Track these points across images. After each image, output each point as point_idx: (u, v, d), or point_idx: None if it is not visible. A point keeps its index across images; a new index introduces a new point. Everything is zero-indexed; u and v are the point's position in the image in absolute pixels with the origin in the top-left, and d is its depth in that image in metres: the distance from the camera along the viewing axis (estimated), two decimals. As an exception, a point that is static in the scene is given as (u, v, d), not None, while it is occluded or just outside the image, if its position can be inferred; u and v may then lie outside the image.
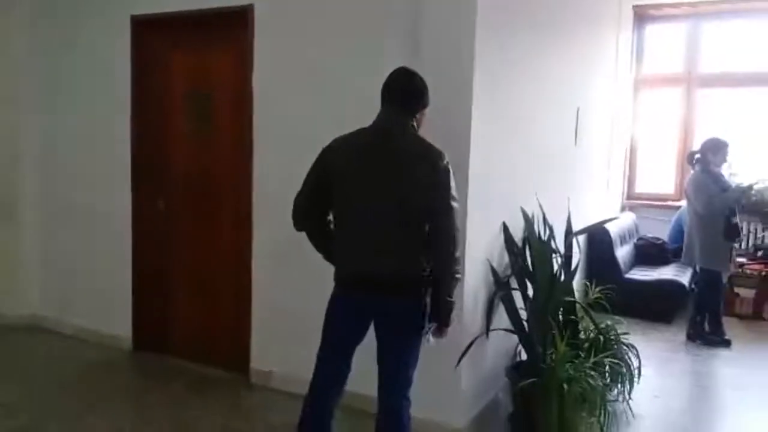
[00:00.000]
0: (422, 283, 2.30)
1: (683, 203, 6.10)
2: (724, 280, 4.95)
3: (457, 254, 2.27)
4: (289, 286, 3.53)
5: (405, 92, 2.38)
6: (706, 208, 4.64)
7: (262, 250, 3.63)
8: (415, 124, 2.40)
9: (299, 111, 3.45)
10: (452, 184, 2.28)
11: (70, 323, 4.49)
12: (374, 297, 2.32)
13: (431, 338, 2.36)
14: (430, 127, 2.89)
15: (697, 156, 4.84)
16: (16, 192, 4.61)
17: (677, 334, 5.01)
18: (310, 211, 2.44)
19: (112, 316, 4.26)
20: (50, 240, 4.60)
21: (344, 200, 2.35)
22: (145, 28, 4.00)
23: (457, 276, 2.29)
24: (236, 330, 3.77)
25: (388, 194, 2.27)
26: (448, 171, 2.29)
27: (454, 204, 2.27)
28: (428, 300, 2.31)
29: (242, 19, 3.56)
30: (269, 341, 3.66)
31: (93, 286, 4.38)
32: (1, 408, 3.35)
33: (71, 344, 4.35)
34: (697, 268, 4.98)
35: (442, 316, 2.31)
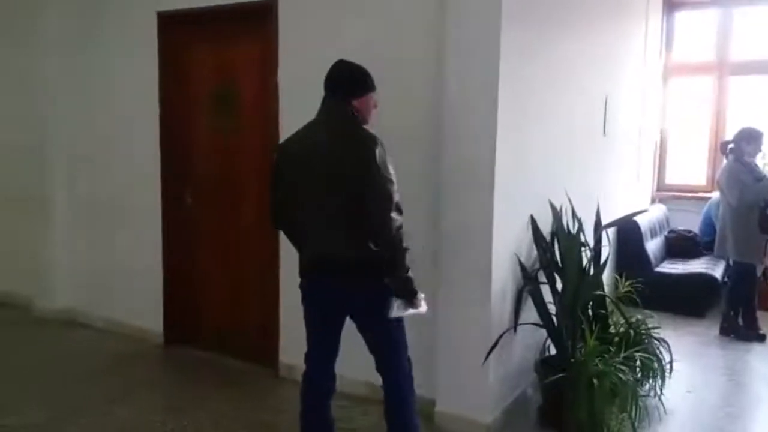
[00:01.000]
0: (374, 265, 2.34)
1: (714, 195, 5.98)
2: (759, 273, 4.83)
3: (395, 232, 2.28)
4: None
5: (338, 81, 2.48)
6: (739, 199, 4.53)
7: (290, 243, 3.63)
8: (354, 111, 2.44)
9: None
10: (388, 167, 2.33)
11: (102, 317, 4.57)
12: (331, 283, 2.42)
13: (406, 311, 2.39)
14: (454, 120, 2.87)
15: (731, 146, 4.73)
16: (47, 189, 4.71)
17: (710, 328, 4.91)
18: (281, 211, 2.57)
19: (143, 309, 4.32)
20: (82, 235, 4.68)
21: (295, 195, 2.45)
22: (171, 24, 4.04)
23: (400, 252, 2.30)
24: (264, 323, 3.80)
25: (330, 183, 2.36)
26: (383, 155, 2.33)
27: (390, 187, 2.31)
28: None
29: (266, 14, 3.56)
30: (297, 334, 3.65)
31: (124, 280, 4.45)
32: (33, 399, 3.43)
33: (102, 337, 4.44)
34: (731, 261, 4.87)
35: (400, 293, 2.35)
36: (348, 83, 2.48)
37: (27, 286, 4.89)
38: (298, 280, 3.57)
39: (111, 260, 4.52)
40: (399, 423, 2.52)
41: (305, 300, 2.54)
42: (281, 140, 3.56)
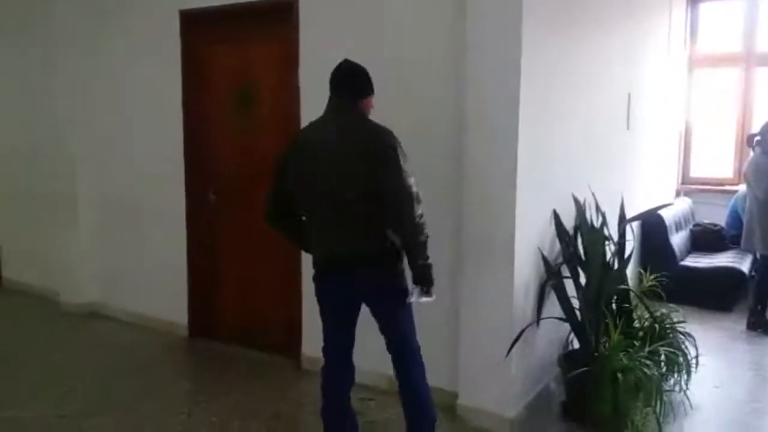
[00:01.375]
0: (389, 255, 2.44)
1: (741, 188, 5.87)
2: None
3: (418, 221, 2.35)
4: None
5: (348, 82, 2.54)
6: (767, 192, 4.45)
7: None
8: (362, 111, 2.52)
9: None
10: (402, 160, 2.36)
11: (127, 310, 4.65)
12: (344, 276, 2.49)
13: (420, 299, 2.44)
14: (475, 115, 2.86)
15: (758, 138, 4.64)
16: (74, 186, 4.79)
17: (737, 322, 4.84)
18: (279, 202, 2.63)
19: (168, 303, 4.39)
20: (108, 232, 4.76)
21: (303, 191, 2.50)
22: (193, 23, 4.08)
23: (422, 240, 2.38)
24: (287, 316, 3.84)
25: (343, 180, 2.40)
26: (396, 148, 2.38)
27: (409, 178, 2.35)
28: (403, 268, 2.47)
29: (288, 12, 3.58)
30: (320, 327, 3.69)
31: (149, 275, 4.52)
32: (61, 391, 3.50)
33: (128, 330, 4.52)
34: (758, 255, 4.79)
35: (419, 280, 2.41)
36: (357, 84, 2.55)
37: (54, 280, 5.00)
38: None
39: (136, 256, 4.60)
40: (414, 409, 2.55)
41: (319, 294, 2.59)
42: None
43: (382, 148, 2.37)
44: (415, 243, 2.37)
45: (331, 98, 2.54)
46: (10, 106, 5.37)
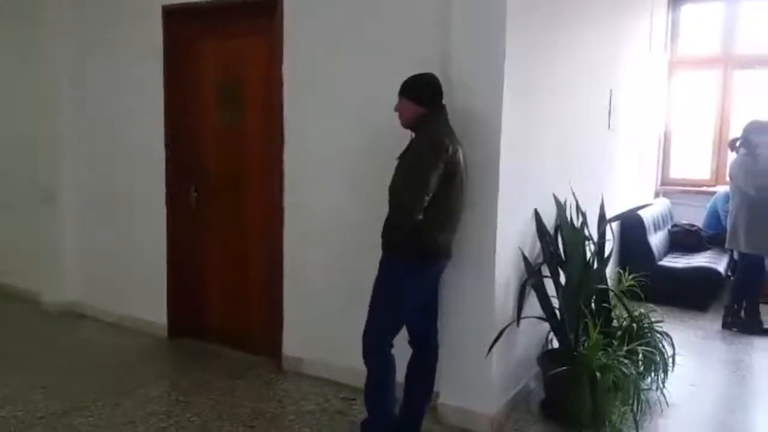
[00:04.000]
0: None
1: (720, 188, 5.97)
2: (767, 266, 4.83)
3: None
4: (321, 274, 3.56)
5: None
6: (759, 188, 4.50)
7: (294, 237, 3.66)
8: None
9: (329, 99, 3.46)
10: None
11: (109, 310, 4.60)
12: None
13: None
14: (458, 114, 2.88)
15: (740, 140, 4.70)
16: (53, 184, 4.73)
17: (713, 322, 4.92)
18: None
19: (149, 303, 4.35)
20: (89, 229, 4.70)
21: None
22: (176, 18, 4.04)
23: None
24: (268, 316, 3.82)
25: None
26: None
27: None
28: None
29: (272, 7, 3.56)
30: (300, 328, 3.71)
31: (131, 273, 4.48)
32: (42, 391, 3.46)
33: (108, 330, 4.47)
34: (735, 255, 4.87)
35: None
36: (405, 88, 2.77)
37: (34, 280, 4.93)
38: (301, 273, 3.64)
39: (116, 254, 4.55)
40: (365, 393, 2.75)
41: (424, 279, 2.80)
42: (285, 134, 3.61)
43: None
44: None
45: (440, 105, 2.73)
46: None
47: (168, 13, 4.05)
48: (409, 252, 2.62)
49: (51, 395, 3.42)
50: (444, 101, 2.74)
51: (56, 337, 4.38)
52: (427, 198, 2.51)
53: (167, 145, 4.16)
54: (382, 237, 2.69)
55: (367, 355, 2.70)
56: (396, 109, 2.73)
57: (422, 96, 2.67)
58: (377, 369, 2.70)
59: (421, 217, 2.53)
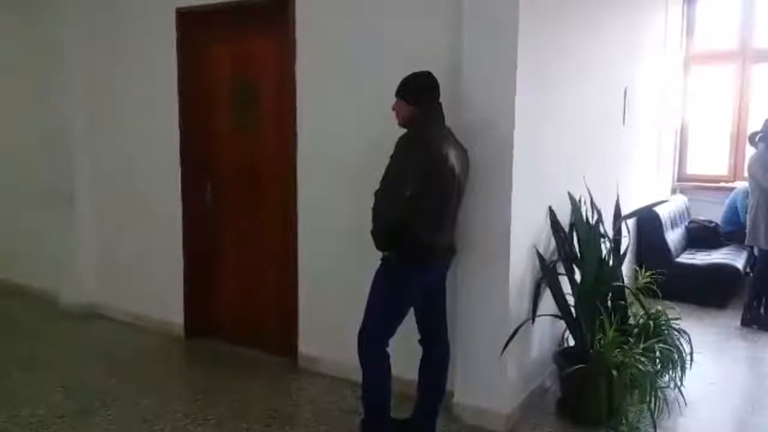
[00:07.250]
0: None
1: (738, 184, 5.89)
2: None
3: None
4: (336, 274, 3.57)
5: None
6: None
7: (308, 237, 3.68)
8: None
9: (342, 99, 3.46)
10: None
11: (126, 310, 4.65)
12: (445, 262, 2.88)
13: None
14: (471, 111, 2.87)
15: (761, 134, 4.64)
16: (71, 185, 4.78)
17: (732, 319, 4.86)
18: None
19: (165, 302, 4.39)
20: (106, 230, 4.76)
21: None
22: (189, 21, 4.07)
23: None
24: (284, 316, 3.85)
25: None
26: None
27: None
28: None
29: (284, 9, 3.58)
30: (316, 326, 3.72)
31: (147, 274, 4.52)
32: (61, 391, 3.51)
33: (125, 330, 4.52)
34: (755, 251, 4.80)
35: None
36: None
37: (53, 280, 4.99)
38: (317, 272, 3.66)
39: (133, 255, 4.60)
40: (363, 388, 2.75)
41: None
42: (298, 135, 3.62)
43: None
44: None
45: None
46: (4, 104, 5.36)
47: (182, 15, 4.08)
48: (401, 254, 2.61)
49: (70, 394, 3.47)
50: (449, 101, 2.72)
51: (75, 337, 4.44)
52: (405, 193, 2.49)
53: (182, 146, 4.19)
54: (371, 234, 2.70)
55: (362, 353, 2.71)
56: (393, 109, 2.74)
57: (414, 96, 2.67)
58: (373, 367, 2.71)
59: (395, 213, 2.51)
